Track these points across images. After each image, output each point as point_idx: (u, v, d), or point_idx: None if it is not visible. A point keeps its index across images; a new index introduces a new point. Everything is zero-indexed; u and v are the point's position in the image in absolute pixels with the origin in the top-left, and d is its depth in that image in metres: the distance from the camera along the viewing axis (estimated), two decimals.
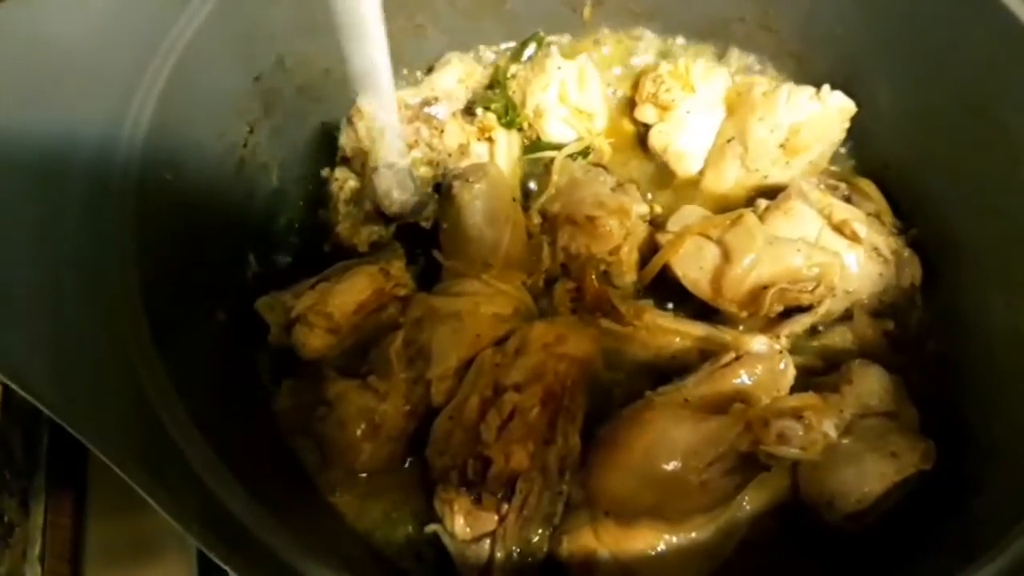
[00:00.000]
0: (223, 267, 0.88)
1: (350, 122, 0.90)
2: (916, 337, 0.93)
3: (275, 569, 0.54)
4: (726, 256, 0.87)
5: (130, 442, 0.55)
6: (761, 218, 0.92)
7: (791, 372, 0.82)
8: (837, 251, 0.90)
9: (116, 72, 0.72)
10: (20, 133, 0.62)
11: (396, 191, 0.89)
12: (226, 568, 0.50)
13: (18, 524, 0.91)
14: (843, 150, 1.04)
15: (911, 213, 0.98)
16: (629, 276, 0.94)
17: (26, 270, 0.60)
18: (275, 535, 0.57)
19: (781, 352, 0.83)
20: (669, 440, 0.76)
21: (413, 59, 1.08)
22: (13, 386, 0.51)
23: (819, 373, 0.88)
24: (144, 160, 0.71)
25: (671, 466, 0.75)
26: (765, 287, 0.86)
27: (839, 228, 0.92)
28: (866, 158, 1.04)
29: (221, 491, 0.58)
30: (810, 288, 0.86)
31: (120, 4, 0.71)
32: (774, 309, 0.86)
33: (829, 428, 0.70)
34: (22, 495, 0.93)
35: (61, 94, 0.67)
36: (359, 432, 0.81)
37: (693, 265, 0.90)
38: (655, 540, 0.75)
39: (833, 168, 1.04)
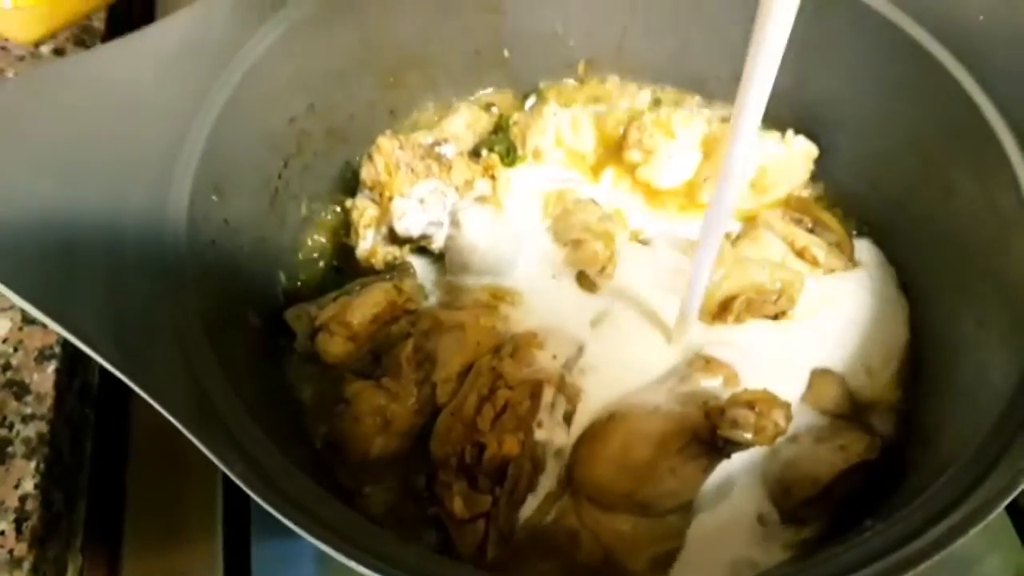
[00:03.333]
0: (257, 281, 1.00)
1: (370, 157, 1.03)
2: None
3: (298, 509, 0.64)
4: None
5: (180, 397, 0.66)
6: (732, 244, 1.04)
7: None
8: (799, 271, 1.01)
9: (173, 108, 0.84)
10: (93, 142, 0.74)
11: (409, 218, 1.02)
12: (251, 495, 0.60)
13: (63, 516, 1.02)
14: (807, 188, 1.16)
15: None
16: None
17: (95, 256, 0.70)
18: (296, 482, 0.67)
19: None
20: (643, 432, 0.86)
21: (426, 107, 1.23)
22: (86, 349, 0.60)
23: None
24: (195, 182, 0.83)
25: (644, 455, 0.85)
26: (734, 297, 0.96)
27: (801, 254, 1.03)
28: (827, 195, 1.15)
29: (256, 449, 0.69)
30: (774, 299, 0.96)
31: (178, 51, 0.82)
32: (742, 318, 0.97)
33: (779, 418, 0.79)
34: (68, 492, 1.03)
35: (126, 122, 0.78)
36: (373, 427, 0.91)
37: None
38: (630, 522, 0.85)
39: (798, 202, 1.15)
